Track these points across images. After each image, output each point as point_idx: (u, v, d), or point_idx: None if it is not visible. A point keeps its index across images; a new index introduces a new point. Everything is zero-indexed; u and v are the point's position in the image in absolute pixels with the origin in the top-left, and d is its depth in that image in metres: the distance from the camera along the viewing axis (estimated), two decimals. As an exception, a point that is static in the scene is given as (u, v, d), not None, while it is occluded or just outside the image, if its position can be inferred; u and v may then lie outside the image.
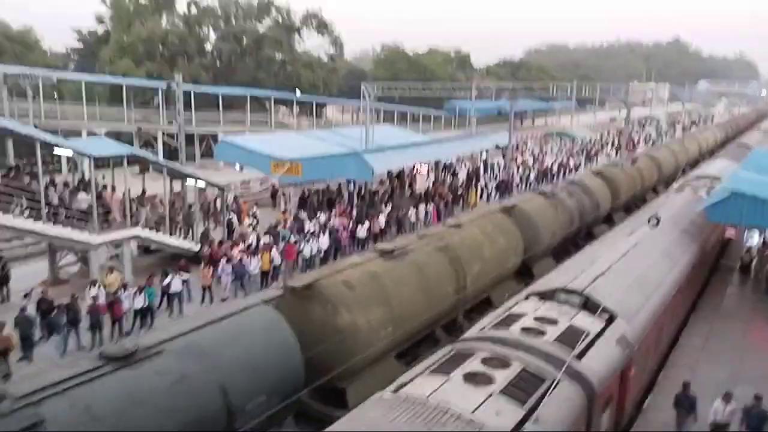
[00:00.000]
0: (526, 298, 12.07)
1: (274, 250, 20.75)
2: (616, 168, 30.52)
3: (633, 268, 13.89)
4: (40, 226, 17.94)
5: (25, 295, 15.97)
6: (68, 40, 63.85)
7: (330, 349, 10.94)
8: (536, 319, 10.74)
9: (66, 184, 21.28)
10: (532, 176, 40.06)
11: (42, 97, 41.07)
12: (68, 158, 34.01)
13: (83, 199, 19.80)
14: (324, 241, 22.56)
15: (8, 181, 18.66)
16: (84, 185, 20.80)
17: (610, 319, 11.22)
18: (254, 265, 19.89)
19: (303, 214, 26.20)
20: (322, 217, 25.53)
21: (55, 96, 46.39)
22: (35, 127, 28.41)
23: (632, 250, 15.17)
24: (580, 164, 47.47)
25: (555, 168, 43.46)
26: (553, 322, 10.62)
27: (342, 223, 24.55)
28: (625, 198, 28.72)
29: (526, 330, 10.20)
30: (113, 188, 21.64)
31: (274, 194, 31.91)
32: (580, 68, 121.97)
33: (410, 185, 34.95)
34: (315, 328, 11.33)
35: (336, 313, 11.51)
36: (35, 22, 59.91)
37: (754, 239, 23.55)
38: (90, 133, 40.48)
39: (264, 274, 20.19)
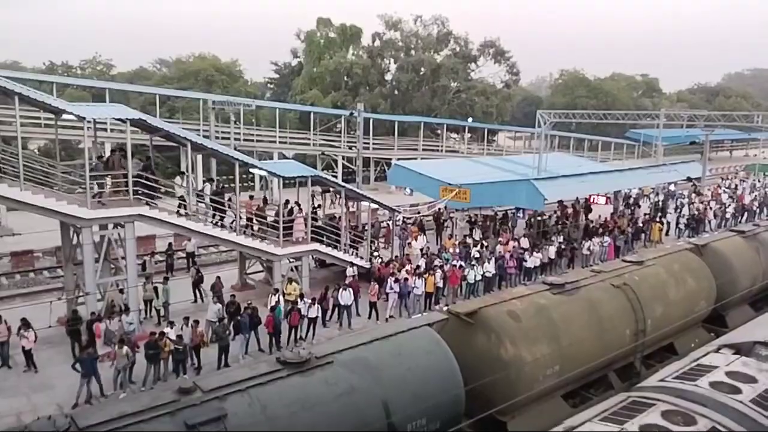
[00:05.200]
0: (718, 350, 10.70)
1: (438, 272, 20.92)
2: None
3: None
4: (235, 237, 19.98)
5: (216, 300, 17.80)
6: (267, 72, 71.35)
7: (493, 381, 10.64)
8: (729, 374, 9.44)
9: (265, 201, 23.43)
10: (728, 213, 35.79)
11: (242, 122, 46.06)
12: (261, 177, 37.90)
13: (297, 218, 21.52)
14: (489, 267, 22.23)
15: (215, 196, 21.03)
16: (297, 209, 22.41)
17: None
18: (418, 286, 20.22)
19: (469, 240, 26.11)
20: (489, 243, 25.20)
21: (253, 121, 51.78)
22: (235, 149, 31.92)
23: None
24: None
25: (755, 206, 38.48)
26: (751, 379, 9.27)
27: (509, 251, 24.02)
28: None
29: (716, 385, 9.01)
30: (299, 206, 23.32)
31: (439, 218, 32.26)
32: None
33: (586, 216, 33.18)
34: (477, 356, 11.10)
35: (500, 344, 11.19)
36: (240, 54, 67.82)
37: None
38: (280, 156, 44.48)
39: (428, 296, 20.44)
